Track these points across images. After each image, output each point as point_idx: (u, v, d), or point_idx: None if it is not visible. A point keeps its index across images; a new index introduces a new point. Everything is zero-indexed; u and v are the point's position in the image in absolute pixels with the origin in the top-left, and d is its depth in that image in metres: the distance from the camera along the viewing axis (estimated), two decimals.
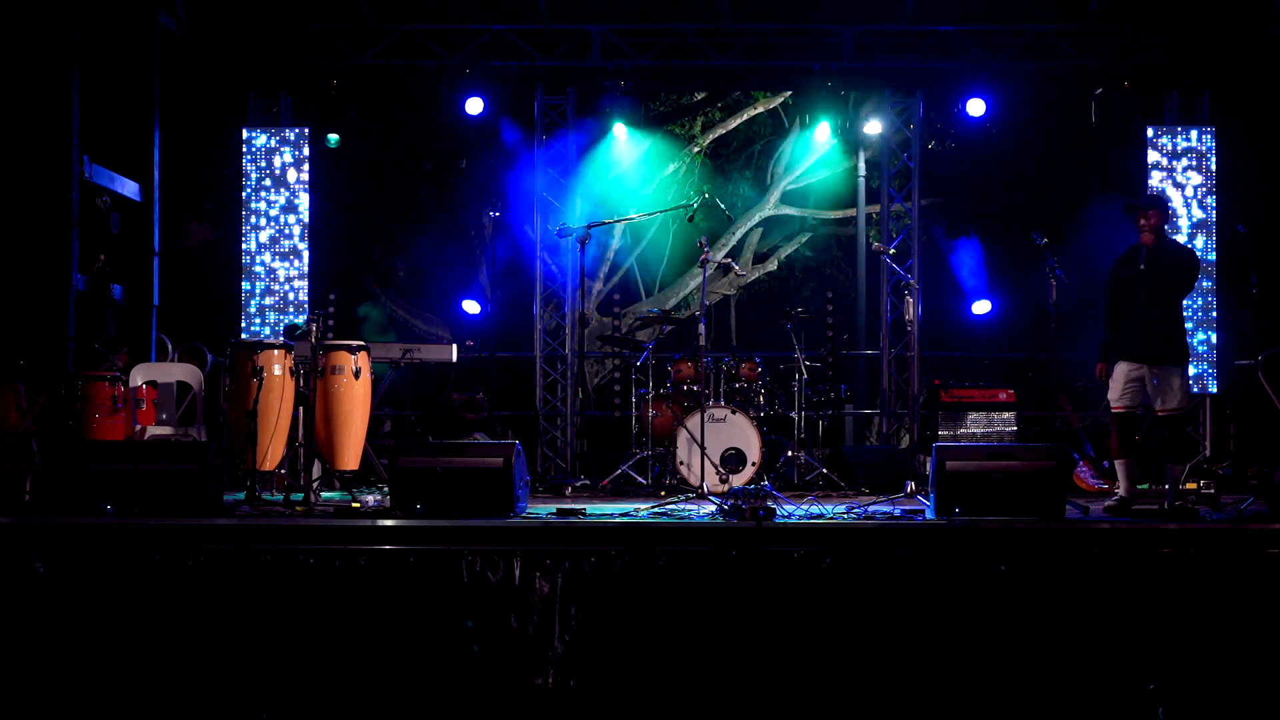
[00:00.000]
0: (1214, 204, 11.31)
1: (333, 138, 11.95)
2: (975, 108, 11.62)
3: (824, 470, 9.90)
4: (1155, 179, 11.35)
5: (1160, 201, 8.11)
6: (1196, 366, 11.26)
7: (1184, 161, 11.34)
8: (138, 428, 8.77)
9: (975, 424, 10.34)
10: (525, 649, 6.27)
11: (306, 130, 11.56)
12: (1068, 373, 12.90)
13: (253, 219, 11.48)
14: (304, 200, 11.47)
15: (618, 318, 12.92)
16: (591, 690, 6.24)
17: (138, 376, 9.11)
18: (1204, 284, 11.25)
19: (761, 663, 6.24)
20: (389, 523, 6.79)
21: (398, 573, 6.35)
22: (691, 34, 11.47)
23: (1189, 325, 11.19)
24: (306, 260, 11.45)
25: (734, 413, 9.34)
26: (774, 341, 11.55)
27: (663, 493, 9.01)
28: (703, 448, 8.76)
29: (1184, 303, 8.33)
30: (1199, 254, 11.19)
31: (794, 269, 16.95)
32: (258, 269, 11.44)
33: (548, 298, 12.35)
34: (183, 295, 11.93)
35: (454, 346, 9.37)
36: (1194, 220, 11.29)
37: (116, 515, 7.05)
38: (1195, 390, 11.28)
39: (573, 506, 7.54)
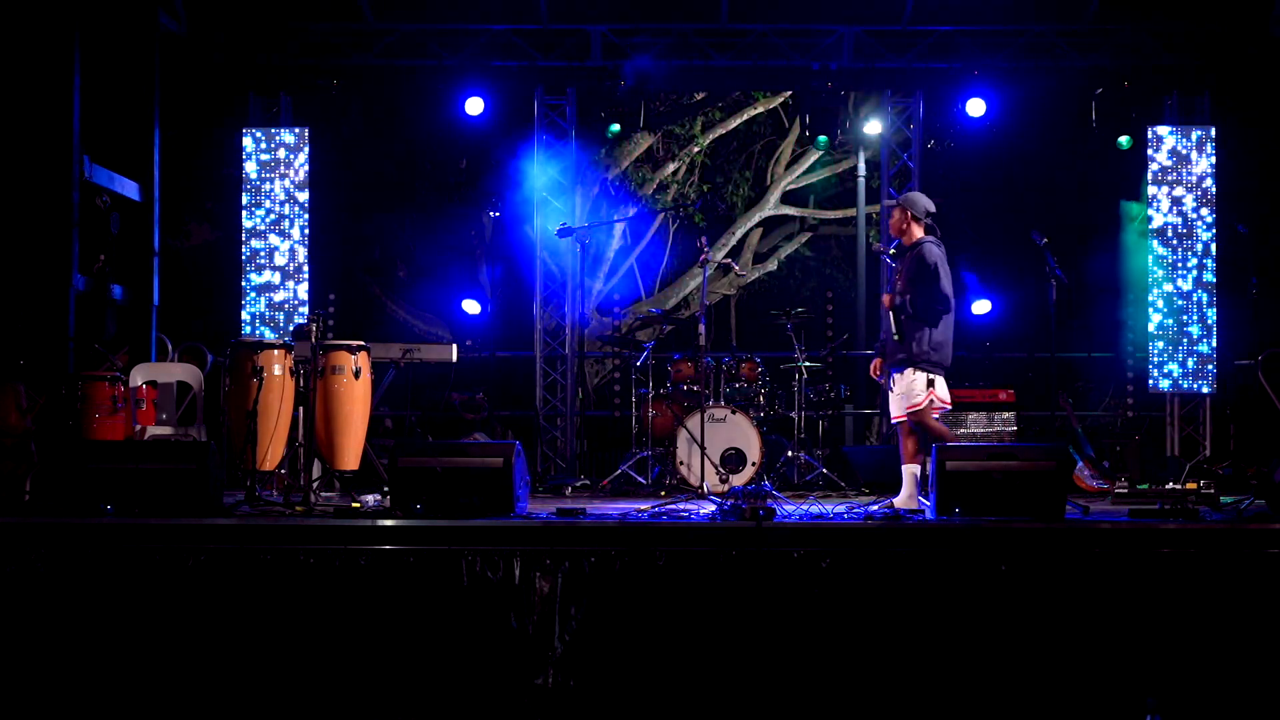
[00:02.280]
0: (1214, 204, 11.29)
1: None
2: (975, 108, 11.62)
3: (824, 470, 9.91)
4: (1155, 179, 11.34)
5: (904, 202, 7.99)
6: (1196, 367, 11.22)
7: (1184, 162, 11.32)
8: (138, 428, 8.77)
9: (975, 424, 10.34)
10: (525, 649, 6.27)
11: (306, 131, 11.54)
12: (1068, 373, 12.91)
13: (253, 219, 11.46)
14: (304, 200, 11.45)
15: (618, 318, 12.93)
16: (591, 690, 6.24)
17: (138, 376, 9.11)
18: (1204, 283, 11.23)
19: (761, 663, 6.24)
20: (389, 523, 6.79)
21: (398, 573, 6.35)
22: (691, 34, 11.45)
23: (1191, 321, 11.18)
24: (306, 260, 11.44)
25: (734, 413, 9.35)
26: (774, 341, 11.54)
27: (663, 493, 9.02)
28: (703, 448, 8.77)
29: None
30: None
31: (794, 269, 16.95)
32: (257, 269, 11.43)
33: (548, 298, 12.34)
34: (183, 295, 11.92)
35: (454, 346, 9.36)
36: (1194, 220, 11.27)
37: (116, 515, 7.05)
38: (1193, 390, 11.25)
39: (573, 506, 7.54)
